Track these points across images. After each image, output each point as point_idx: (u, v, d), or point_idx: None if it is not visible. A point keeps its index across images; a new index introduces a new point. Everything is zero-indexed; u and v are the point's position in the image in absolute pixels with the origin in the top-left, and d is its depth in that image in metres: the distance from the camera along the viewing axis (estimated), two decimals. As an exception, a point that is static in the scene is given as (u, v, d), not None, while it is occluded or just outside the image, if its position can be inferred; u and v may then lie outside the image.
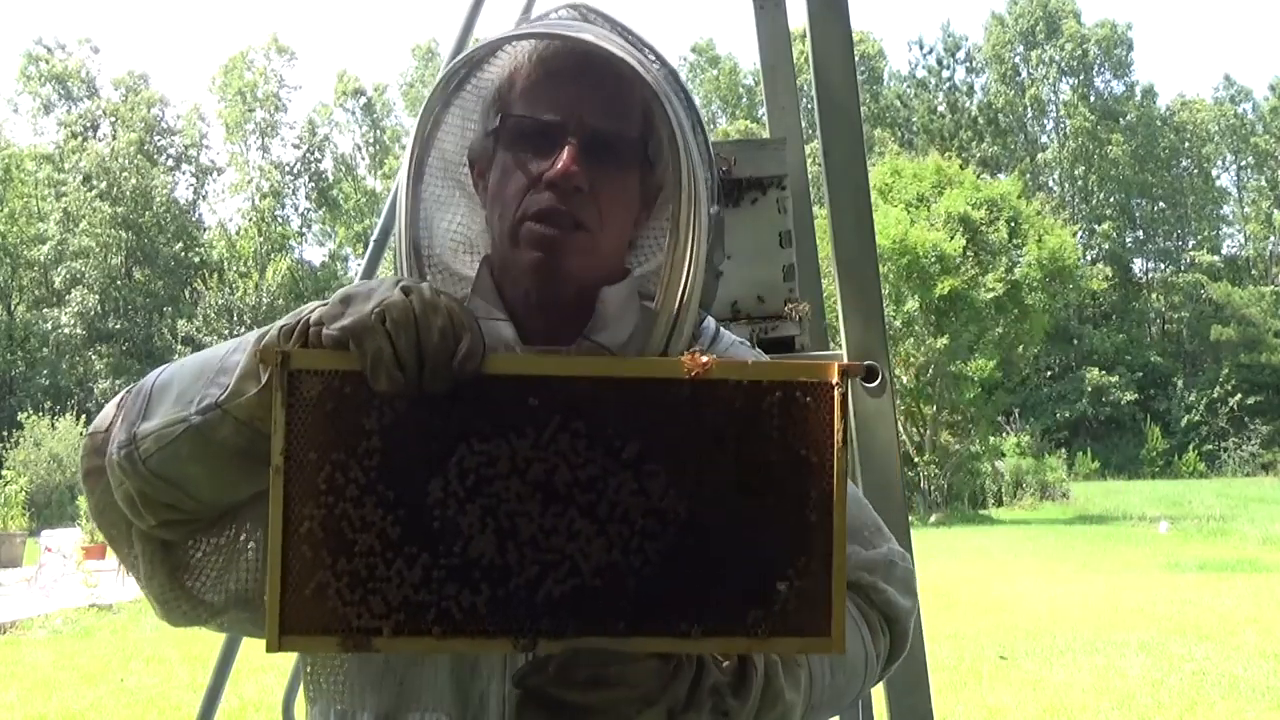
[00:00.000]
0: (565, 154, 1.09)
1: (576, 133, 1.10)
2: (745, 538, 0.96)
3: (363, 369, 0.92)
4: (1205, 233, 54.68)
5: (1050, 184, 54.33)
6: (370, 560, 0.93)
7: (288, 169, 49.60)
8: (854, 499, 1.16)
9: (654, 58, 1.15)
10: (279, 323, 1.01)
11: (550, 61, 1.13)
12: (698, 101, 1.20)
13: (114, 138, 45.80)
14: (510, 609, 0.94)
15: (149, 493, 1.03)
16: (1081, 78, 54.83)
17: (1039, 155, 54.65)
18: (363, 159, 51.78)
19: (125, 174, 44.11)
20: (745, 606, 0.96)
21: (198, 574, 1.11)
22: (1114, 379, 45.50)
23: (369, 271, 2.62)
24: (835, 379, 0.96)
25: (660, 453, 0.95)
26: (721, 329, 1.26)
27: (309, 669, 1.13)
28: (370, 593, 0.93)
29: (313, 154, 50.28)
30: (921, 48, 63.37)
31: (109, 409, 1.10)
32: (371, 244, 2.62)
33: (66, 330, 41.75)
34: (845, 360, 2.12)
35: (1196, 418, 44.89)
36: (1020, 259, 27.26)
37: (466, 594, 0.93)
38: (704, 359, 0.96)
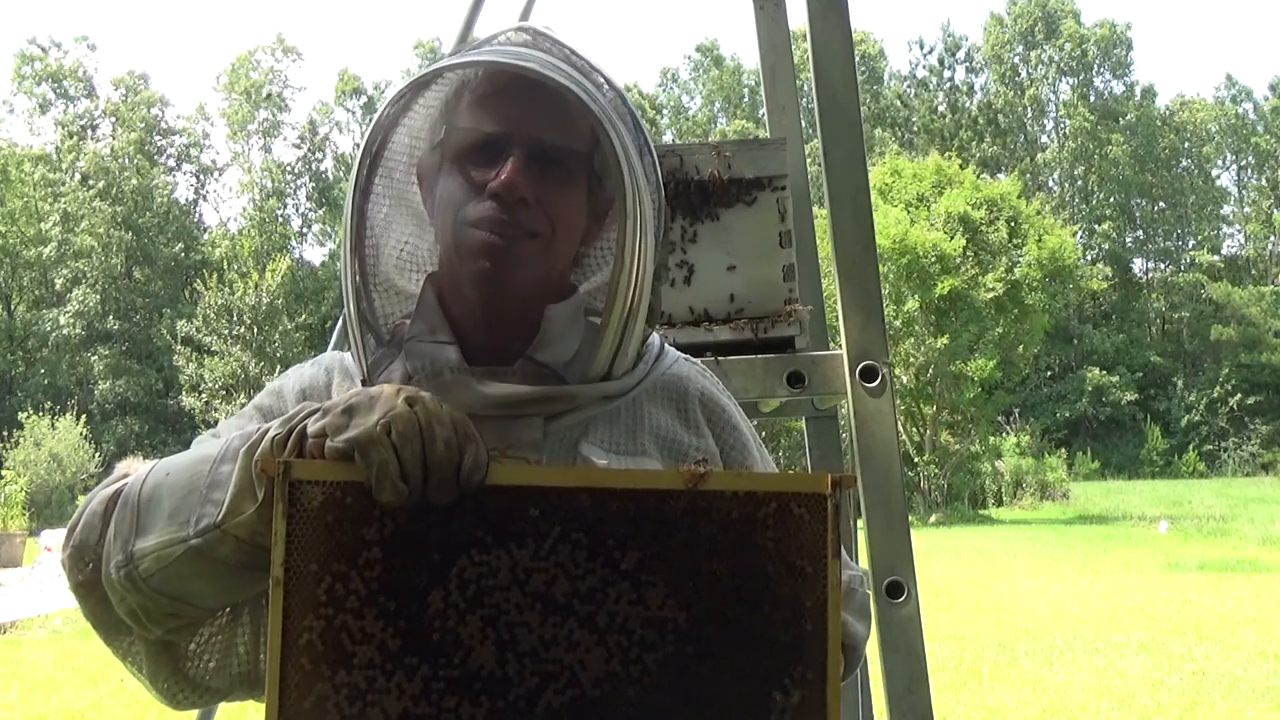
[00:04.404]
0: (509, 165, 1.10)
1: (522, 145, 1.11)
2: (742, 647, 0.97)
3: (367, 481, 0.92)
4: (1205, 233, 54.65)
5: (1050, 184, 54.31)
6: (370, 672, 0.93)
7: (289, 169, 49.62)
8: None
9: (602, 81, 1.16)
10: (269, 431, 0.99)
11: (498, 75, 1.14)
12: (645, 125, 1.20)
13: (114, 137, 45.81)
14: None
15: (152, 607, 1.03)
16: (1081, 78, 54.81)
17: (1039, 155, 54.62)
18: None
19: (125, 174, 44.10)
20: (743, 716, 0.96)
21: (198, 662, 1.12)
22: (1114, 379, 45.48)
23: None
24: (829, 490, 0.98)
25: (658, 563, 0.96)
26: (667, 346, 1.27)
27: None
28: (369, 705, 0.93)
29: (313, 154, 50.31)
30: (921, 48, 63.47)
31: (90, 518, 1.07)
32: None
33: (66, 330, 41.75)
34: (846, 361, 2.12)
35: (1196, 418, 44.88)
36: (1020, 259, 27.24)
37: (466, 706, 0.93)
38: (701, 470, 0.97)
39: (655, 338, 1.24)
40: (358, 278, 1.16)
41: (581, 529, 0.96)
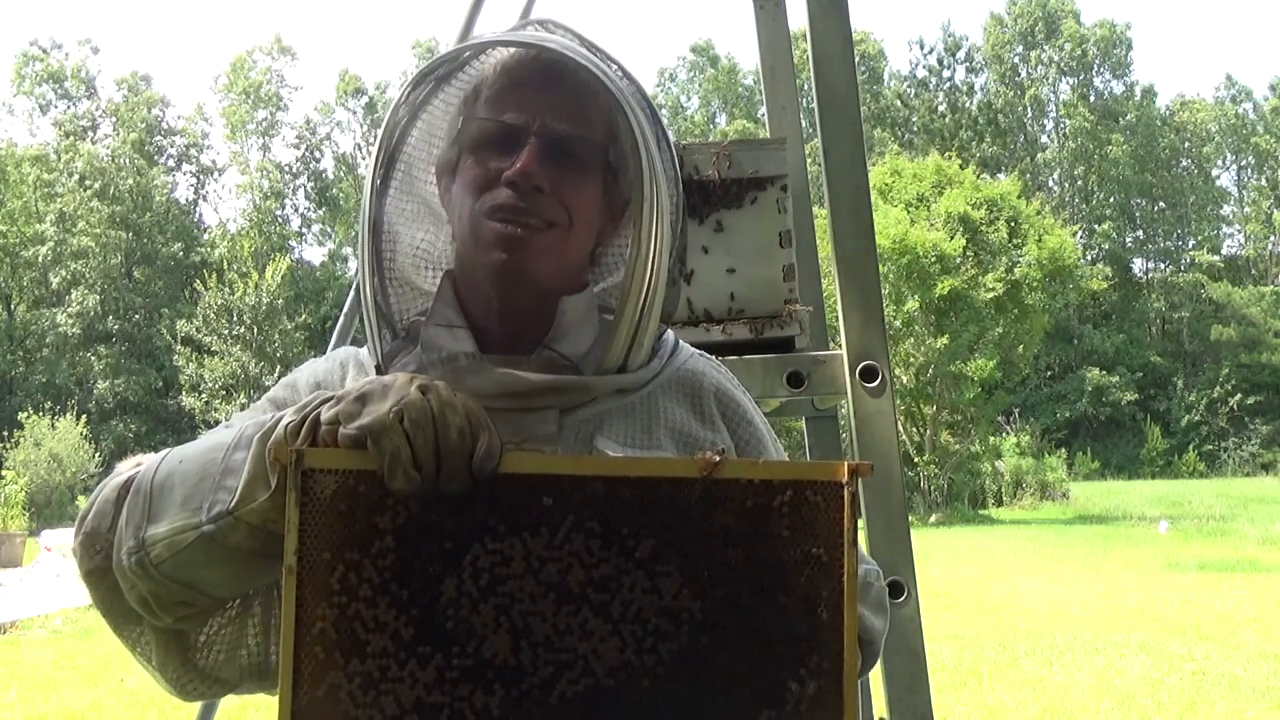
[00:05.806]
0: (525, 154, 1.10)
1: (539, 134, 1.11)
2: (758, 637, 0.96)
3: (379, 469, 0.92)
4: (1205, 233, 54.66)
5: (1050, 184, 54.31)
6: (383, 661, 0.93)
7: (288, 169, 49.62)
8: None
9: (620, 71, 1.16)
10: (283, 419, 0.99)
11: (515, 69, 1.14)
12: (664, 118, 1.20)
13: (114, 137, 45.82)
14: (524, 710, 0.93)
15: (164, 595, 1.03)
16: (1081, 78, 54.81)
17: (1039, 155, 54.62)
18: (363, 158, 51.67)
19: (123, 174, 44.09)
20: (758, 706, 0.95)
21: (208, 652, 1.11)
22: (1114, 379, 45.49)
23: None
24: (845, 479, 0.96)
25: (673, 552, 0.95)
26: (681, 342, 1.26)
27: None
28: (383, 694, 0.92)
29: (313, 154, 50.30)
30: (922, 48, 63.50)
31: (102, 505, 1.07)
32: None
33: (66, 330, 41.74)
34: (846, 361, 2.12)
35: (1196, 418, 44.89)
36: (1020, 259, 27.23)
37: (480, 695, 0.93)
38: (715, 458, 0.96)
39: (670, 334, 1.24)
40: (374, 271, 1.16)
41: (595, 517, 0.95)
